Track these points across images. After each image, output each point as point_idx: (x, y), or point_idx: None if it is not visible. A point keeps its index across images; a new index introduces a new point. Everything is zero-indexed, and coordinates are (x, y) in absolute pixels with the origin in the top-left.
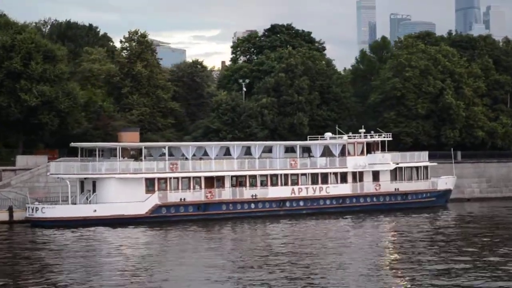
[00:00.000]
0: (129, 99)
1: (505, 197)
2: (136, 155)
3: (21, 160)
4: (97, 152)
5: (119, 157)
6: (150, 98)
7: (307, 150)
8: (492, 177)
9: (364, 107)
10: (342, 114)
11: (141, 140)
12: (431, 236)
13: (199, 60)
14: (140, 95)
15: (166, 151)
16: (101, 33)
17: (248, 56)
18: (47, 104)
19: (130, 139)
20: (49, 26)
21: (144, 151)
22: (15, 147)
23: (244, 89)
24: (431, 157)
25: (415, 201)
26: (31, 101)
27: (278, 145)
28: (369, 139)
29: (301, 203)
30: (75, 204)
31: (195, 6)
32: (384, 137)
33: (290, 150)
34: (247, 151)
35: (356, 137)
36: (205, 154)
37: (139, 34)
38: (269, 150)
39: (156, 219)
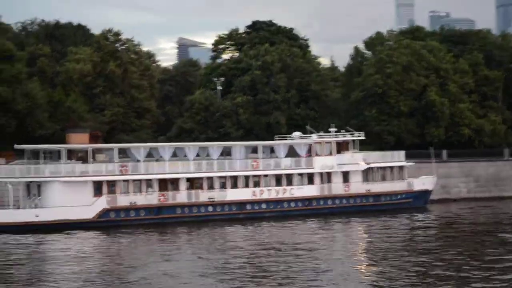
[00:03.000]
0: (102, 99)
1: (494, 197)
2: (84, 157)
3: None
4: (41, 154)
5: (64, 160)
6: (124, 98)
7: (273, 151)
8: (480, 177)
9: (347, 105)
10: (323, 113)
11: (113, 142)
12: (395, 240)
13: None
14: (113, 95)
15: (115, 152)
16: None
17: (230, 55)
18: (3, 105)
19: (79, 140)
20: (36, 26)
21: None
22: None
23: (219, 87)
24: (414, 157)
25: (389, 202)
26: None
27: (238, 146)
28: (338, 138)
29: (263, 206)
30: (21, 208)
31: (233, 5)
32: (359, 136)
33: (255, 151)
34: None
35: (325, 137)
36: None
37: (113, 32)
38: (228, 151)
39: (104, 224)
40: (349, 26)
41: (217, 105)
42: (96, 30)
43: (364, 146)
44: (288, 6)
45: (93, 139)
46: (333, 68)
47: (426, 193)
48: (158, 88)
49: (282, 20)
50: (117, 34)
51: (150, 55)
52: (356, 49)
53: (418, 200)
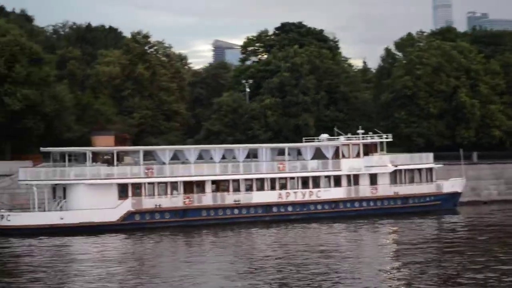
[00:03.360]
0: (130, 102)
1: None
2: (109, 159)
3: (4, 166)
4: (66, 157)
5: (89, 162)
6: (153, 100)
7: (300, 153)
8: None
9: (377, 107)
10: (352, 115)
11: (141, 144)
12: (422, 242)
13: None
14: (142, 97)
15: (140, 155)
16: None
17: (258, 56)
18: (32, 108)
19: (104, 143)
20: (67, 29)
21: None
22: (1, 153)
23: (248, 89)
24: (443, 159)
25: (417, 205)
26: (14, 105)
27: (265, 148)
28: (365, 140)
29: (289, 208)
30: (46, 211)
31: (271, 6)
32: (386, 138)
33: (283, 153)
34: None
35: (352, 139)
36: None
37: (142, 35)
38: (255, 153)
39: (129, 226)
40: (389, 27)
41: (245, 107)
42: (129, 33)
43: (393, 148)
44: (327, 7)
45: (121, 141)
46: (365, 69)
47: (455, 195)
48: (188, 91)
49: (321, 22)
50: (146, 36)
51: (181, 58)
52: (387, 50)
53: (447, 203)
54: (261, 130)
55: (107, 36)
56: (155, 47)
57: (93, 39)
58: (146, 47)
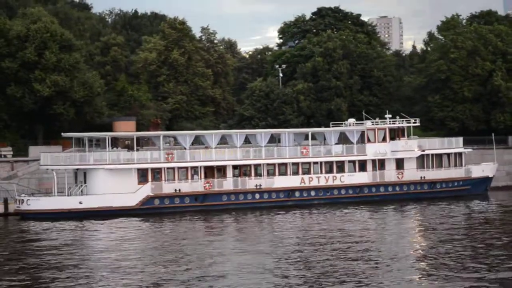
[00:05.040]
0: (165, 87)
1: None
2: (130, 144)
3: (34, 151)
4: (86, 142)
5: (108, 147)
6: (188, 86)
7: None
8: None
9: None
10: (385, 99)
11: (176, 129)
12: (448, 227)
13: None
14: (177, 83)
15: (161, 140)
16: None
17: (296, 41)
18: (61, 94)
19: (125, 128)
20: (114, 16)
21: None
22: (32, 138)
23: (281, 74)
24: (478, 143)
25: (445, 189)
26: (44, 91)
27: (287, 133)
28: (392, 125)
29: (312, 193)
30: (66, 195)
31: None
32: (414, 122)
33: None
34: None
35: (379, 123)
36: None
37: (178, 21)
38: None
39: (148, 211)
40: (460, 10)
41: (277, 92)
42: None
43: (427, 132)
44: None
45: (153, 126)
46: (413, 54)
47: (486, 180)
48: (234, 76)
49: (390, 8)
50: (182, 22)
51: (231, 44)
52: (430, 34)
53: (477, 187)
54: (293, 115)
55: (153, 23)
56: (192, 33)
57: (138, 25)
58: (181, 34)
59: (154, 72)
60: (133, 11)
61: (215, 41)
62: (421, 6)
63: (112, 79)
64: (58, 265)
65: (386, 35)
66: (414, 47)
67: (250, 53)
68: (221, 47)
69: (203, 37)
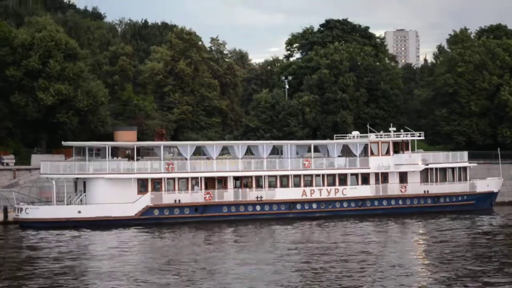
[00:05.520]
0: (171, 98)
1: None
2: (131, 154)
3: (36, 159)
4: (86, 151)
5: (108, 157)
6: (194, 96)
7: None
8: None
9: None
10: (392, 112)
11: (181, 139)
12: (449, 242)
13: None
14: (183, 93)
15: (161, 150)
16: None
17: (304, 53)
18: (65, 102)
19: (126, 138)
20: (124, 26)
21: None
22: (34, 146)
23: (287, 86)
24: (484, 157)
25: (449, 204)
26: (48, 100)
27: (289, 145)
28: (395, 138)
29: (314, 206)
30: (65, 204)
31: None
32: (419, 136)
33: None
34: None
35: (383, 136)
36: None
37: (185, 31)
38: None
39: (147, 221)
40: (481, 22)
41: (282, 103)
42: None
43: (434, 146)
44: (414, 6)
45: (158, 136)
46: (424, 67)
47: (491, 195)
48: (243, 87)
49: (408, 21)
50: (189, 33)
51: (242, 55)
52: (439, 47)
53: (482, 202)
54: (298, 126)
55: (162, 33)
56: (200, 43)
57: (148, 35)
58: (187, 44)
59: (160, 82)
60: (143, 21)
61: (225, 52)
62: (439, 19)
63: (119, 89)
64: (45, 274)
65: (403, 48)
66: (425, 60)
67: (260, 64)
68: (231, 58)
69: (213, 48)
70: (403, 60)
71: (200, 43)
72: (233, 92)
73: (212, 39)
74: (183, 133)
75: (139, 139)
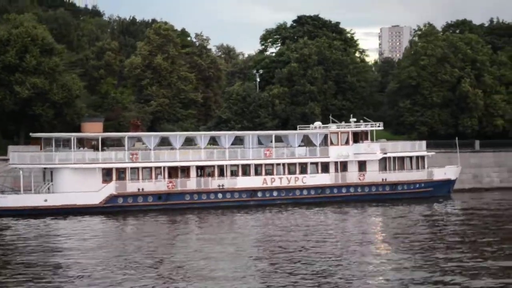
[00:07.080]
0: (149, 91)
1: None
2: (96, 145)
3: (13, 150)
4: (53, 142)
5: (73, 148)
6: (171, 89)
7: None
8: None
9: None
10: (358, 104)
11: (157, 131)
12: (405, 227)
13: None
14: (160, 86)
15: (126, 141)
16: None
17: (277, 48)
18: (41, 95)
19: (92, 129)
20: (112, 22)
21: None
22: (12, 138)
23: (258, 79)
24: (445, 147)
25: (406, 191)
26: (23, 93)
27: (251, 135)
28: (355, 128)
29: (274, 193)
30: (32, 193)
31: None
32: (378, 126)
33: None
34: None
35: (342, 127)
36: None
37: (162, 27)
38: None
39: (111, 209)
40: (475, 18)
41: (253, 96)
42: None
43: (397, 136)
44: (409, 2)
45: (134, 127)
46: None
47: (448, 182)
48: (227, 80)
49: (404, 18)
50: (166, 29)
51: (229, 49)
52: (411, 41)
53: (440, 189)
54: (268, 118)
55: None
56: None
57: (136, 31)
58: (164, 39)
59: (138, 76)
60: (131, 17)
61: (208, 47)
62: (434, 14)
63: (104, 82)
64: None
65: (398, 43)
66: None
67: (243, 59)
68: (214, 53)
69: (197, 43)
70: (397, 55)
71: (188, 38)
72: (217, 85)
73: (197, 35)
74: (160, 124)
75: (117, 131)
